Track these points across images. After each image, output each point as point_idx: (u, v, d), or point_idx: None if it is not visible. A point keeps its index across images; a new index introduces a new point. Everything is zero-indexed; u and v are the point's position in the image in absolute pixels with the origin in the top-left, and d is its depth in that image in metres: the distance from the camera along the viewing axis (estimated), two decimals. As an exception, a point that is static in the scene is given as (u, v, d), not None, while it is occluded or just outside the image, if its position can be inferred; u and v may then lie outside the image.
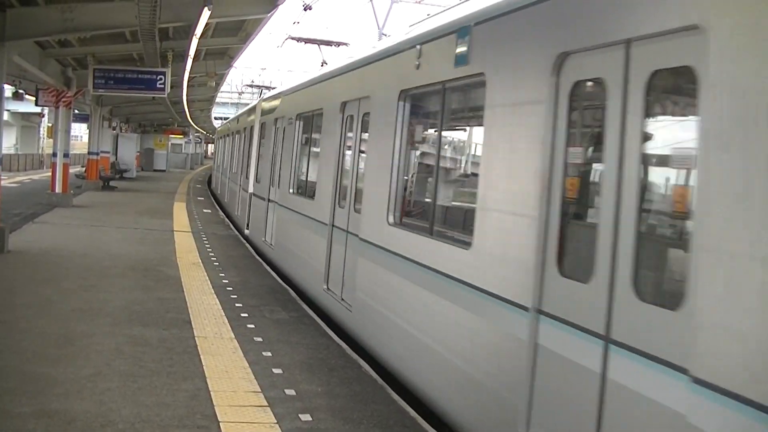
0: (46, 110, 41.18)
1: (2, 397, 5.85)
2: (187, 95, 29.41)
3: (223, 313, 9.30)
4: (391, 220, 7.69)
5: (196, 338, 8.03)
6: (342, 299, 9.13)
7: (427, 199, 7.40)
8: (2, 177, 15.09)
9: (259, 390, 6.49)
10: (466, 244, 5.89)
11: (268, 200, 14.89)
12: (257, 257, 14.69)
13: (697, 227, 3.64)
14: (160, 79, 20.47)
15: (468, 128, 7.37)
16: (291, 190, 12.94)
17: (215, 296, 10.34)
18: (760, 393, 3.19)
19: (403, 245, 7.24)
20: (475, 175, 6.16)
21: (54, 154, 23.13)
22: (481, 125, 5.95)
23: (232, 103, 77.50)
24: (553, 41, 4.91)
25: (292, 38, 22.69)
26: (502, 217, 5.47)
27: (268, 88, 38.87)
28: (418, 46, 7.34)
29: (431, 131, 7.83)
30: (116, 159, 38.54)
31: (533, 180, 4.96)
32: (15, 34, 14.06)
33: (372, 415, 6.12)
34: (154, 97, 25.47)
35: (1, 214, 13.88)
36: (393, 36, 9.86)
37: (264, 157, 16.49)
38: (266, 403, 6.16)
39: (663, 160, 4.22)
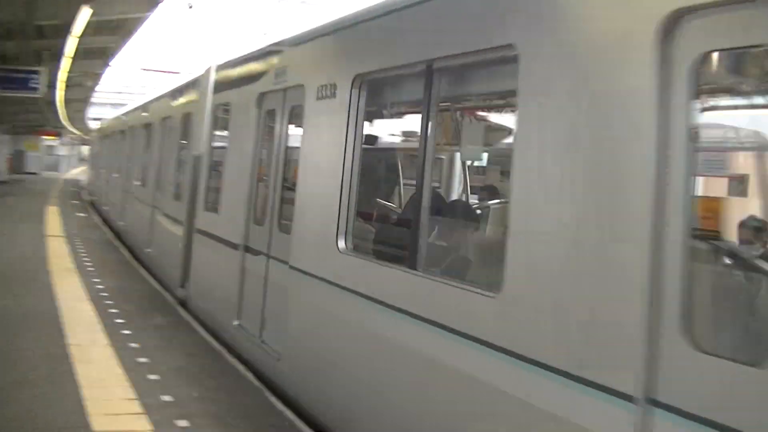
0: None
1: None
2: (64, 95, 28.37)
3: (99, 320, 9.08)
4: None
5: (69, 346, 7.83)
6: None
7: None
8: None
9: (135, 397, 6.41)
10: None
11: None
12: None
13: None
14: (34, 78, 19.71)
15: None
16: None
17: (90, 302, 10.07)
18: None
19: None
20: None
21: None
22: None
23: (111, 104, 74.88)
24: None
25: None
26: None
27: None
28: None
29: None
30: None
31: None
32: None
33: (248, 417, 6.17)
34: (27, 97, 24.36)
35: None
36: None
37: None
38: (142, 411, 6.10)
39: None
